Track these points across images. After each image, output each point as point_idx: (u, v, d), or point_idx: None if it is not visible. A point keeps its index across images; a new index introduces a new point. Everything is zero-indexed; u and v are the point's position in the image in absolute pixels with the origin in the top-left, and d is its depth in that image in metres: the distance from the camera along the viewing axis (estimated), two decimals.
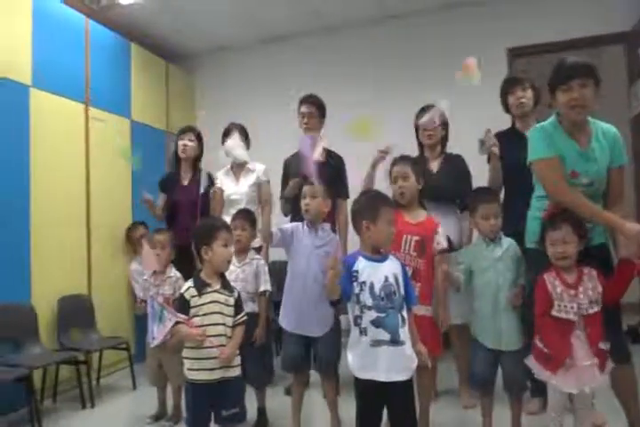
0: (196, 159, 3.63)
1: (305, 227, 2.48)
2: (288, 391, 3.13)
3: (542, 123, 2.27)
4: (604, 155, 2.14)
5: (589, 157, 2.12)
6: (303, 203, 2.43)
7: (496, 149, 2.81)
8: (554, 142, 2.15)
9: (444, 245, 2.35)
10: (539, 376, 2.06)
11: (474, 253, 2.38)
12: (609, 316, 2.04)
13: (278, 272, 3.11)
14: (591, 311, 1.97)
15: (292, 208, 3.13)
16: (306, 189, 2.45)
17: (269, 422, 2.74)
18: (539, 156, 2.18)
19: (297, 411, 2.53)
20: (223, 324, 2.09)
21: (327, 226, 2.53)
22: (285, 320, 2.51)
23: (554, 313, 2.00)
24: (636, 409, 2.17)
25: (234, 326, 2.13)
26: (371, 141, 2.48)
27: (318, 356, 2.48)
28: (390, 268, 1.89)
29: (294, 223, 2.54)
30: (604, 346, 1.97)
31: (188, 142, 3.54)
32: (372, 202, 1.93)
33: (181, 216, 3.47)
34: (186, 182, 3.57)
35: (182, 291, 2.11)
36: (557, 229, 2.02)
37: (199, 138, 3.60)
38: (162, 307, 2.30)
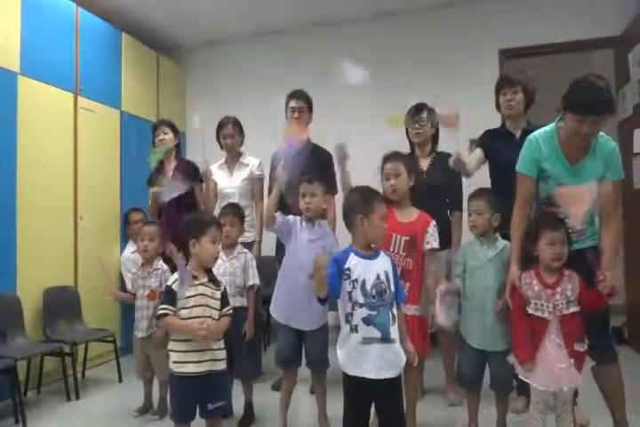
0: (176, 149, 3.57)
1: (302, 222, 2.48)
2: (275, 387, 3.14)
3: (540, 130, 2.27)
4: (596, 170, 2.13)
5: (577, 174, 2.13)
6: (303, 202, 2.43)
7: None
8: (542, 157, 2.18)
9: (434, 244, 2.34)
10: (518, 372, 2.08)
11: (468, 251, 2.39)
12: (596, 317, 2.07)
13: (267, 267, 3.12)
14: (567, 312, 2.00)
15: (281, 204, 3.14)
16: (305, 188, 2.44)
17: (256, 417, 2.73)
18: (519, 169, 2.27)
19: (285, 406, 2.53)
20: (209, 316, 2.09)
21: (324, 222, 2.53)
22: (277, 311, 2.51)
23: (530, 311, 2.04)
24: (621, 408, 2.22)
25: (220, 318, 2.13)
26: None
27: (310, 352, 2.49)
28: (381, 265, 1.89)
29: (295, 216, 2.52)
30: (580, 347, 1.99)
31: (163, 136, 3.45)
32: (365, 197, 1.93)
33: (166, 209, 3.38)
34: (170, 174, 3.51)
35: (169, 283, 2.11)
36: (558, 230, 2.05)
37: (173, 128, 3.52)
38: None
